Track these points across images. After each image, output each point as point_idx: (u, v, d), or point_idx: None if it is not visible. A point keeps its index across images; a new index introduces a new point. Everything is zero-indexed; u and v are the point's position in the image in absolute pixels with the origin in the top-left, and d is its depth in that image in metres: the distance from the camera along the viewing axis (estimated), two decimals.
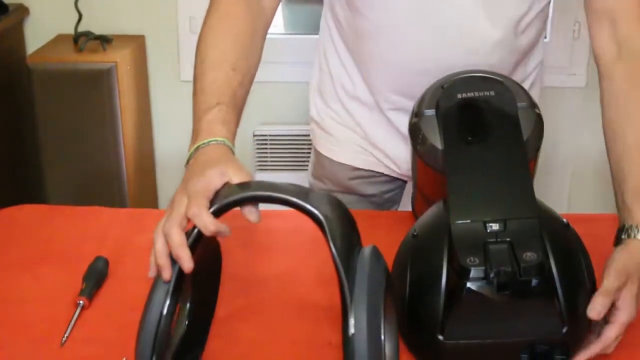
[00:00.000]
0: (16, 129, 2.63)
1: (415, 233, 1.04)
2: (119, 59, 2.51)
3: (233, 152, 1.03)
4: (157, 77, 2.83)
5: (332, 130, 1.45)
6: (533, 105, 1.12)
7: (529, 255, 0.91)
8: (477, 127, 1.07)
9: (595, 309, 0.95)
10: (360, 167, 1.46)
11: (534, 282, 0.91)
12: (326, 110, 1.46)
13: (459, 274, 0.92)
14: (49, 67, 2.51)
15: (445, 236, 0.97)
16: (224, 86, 1.10)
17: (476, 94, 1.10)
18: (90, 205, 1.44)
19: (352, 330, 0.79)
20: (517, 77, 1.31)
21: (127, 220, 1.37)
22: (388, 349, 0.92)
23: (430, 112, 1.12)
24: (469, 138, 1.06)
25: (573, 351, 0.98)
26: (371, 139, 1.41)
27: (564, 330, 0.95)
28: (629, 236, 1.02)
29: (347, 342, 0.79)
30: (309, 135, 1.58)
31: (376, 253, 0.87)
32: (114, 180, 2.61)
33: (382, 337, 0.81)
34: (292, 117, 2.80)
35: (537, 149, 1.12)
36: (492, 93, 1.10)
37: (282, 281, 1.20)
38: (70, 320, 1.08)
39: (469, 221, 0.97)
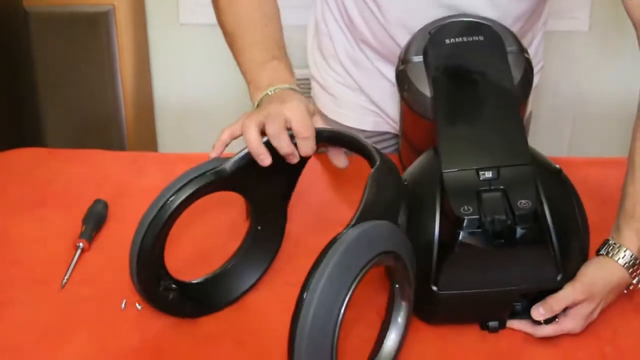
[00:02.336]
0: (13, 73, 2.61)
1: (405, 182, 1.03)
2: (117, 1, 2.48)
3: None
4: (155, 20, 2.80)
5: (336, 92, 1.44)
6: (522, 49, 1.10)
7: (524, 203, 0.90)
8: (467, 73, 1.06)
9: (539, 312, 0.95)
10: (368, 129, 1.45)
11: (529, 229, 0.90)
12: (328, 71, 1.44)
13: (453, 223, 0.91)
14: (46, 10, 2.48)
15: (437, 185, 0.96)
16: (272, 41, 1.18)
17: (465, 39, 1.08)
18: (89, 148, 1.44)
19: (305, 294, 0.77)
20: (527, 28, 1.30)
21: (127, 163, 1.37)
22: (391, 339, 0.92)
23: (418, 59, 1.10)
24: (459, 85, 1.05)
25: None
26: (373, 99, 1.40)
27: (559, 277, 0.95)
28: (608, 253, 0.99)
29: (298, 302, 0.77)
30: (306, 79, 1.57)
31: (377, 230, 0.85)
32: (113, 123, 2.60)
33: (340, 312, 0.78)
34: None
35: (527, 94, 1.11)
36: (481, 38, 1.08)
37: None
38: (70, 263, 1.09)
39: (461, 169, 0.96)
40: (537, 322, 0.96)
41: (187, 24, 2.72)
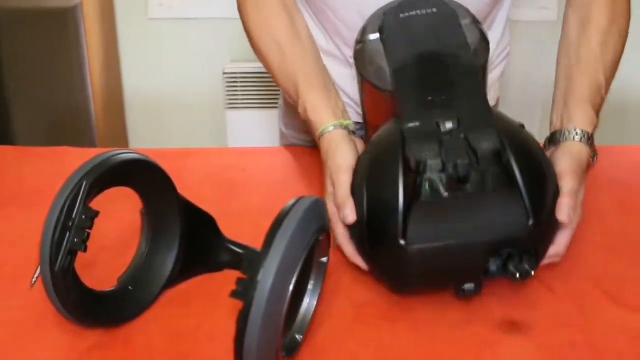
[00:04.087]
0: None
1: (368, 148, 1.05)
2: None
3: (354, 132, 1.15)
4: (124, 15, 2.78)
5: None
6: (476, 21, 1.13)
7: (485, 144, 0.91)
8: (423, 43, 1.08)
9: (563, 212, 0.96)
10: None
11: (494, 173, 0.91)
12: None
13: (415, 169, 0.91)
14: (12, 5, 2.46)
15: (398, 139, 0.97)
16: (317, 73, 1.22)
17: (418, 12, 1.11)
18: (58, 145, 1.43)
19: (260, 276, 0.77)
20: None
21: None
22: (305, 302, 0.94)
23: (374, 36, 1.12)
24: (417, 55, 1.06)
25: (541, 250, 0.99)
26: (344, 89, 1.39)
27: (530, 222, 0.94)
28: (565, 139, 1.05)
29: (249, 284, 0.77)
30: None
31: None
32: (82, 118, 2.58)
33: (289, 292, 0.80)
34: None
35: (486, 57, 1.12)
36: (435, 10, 1.11)
37: (253, 216, 1.19)
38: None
39: (421, 122, 0.97)
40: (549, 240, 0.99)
41: (156, 18, 2.71)
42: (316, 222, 0.87)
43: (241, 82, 2.78)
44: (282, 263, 0.77)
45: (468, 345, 0.94)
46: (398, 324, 0.97)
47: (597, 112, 1.14)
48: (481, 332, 0.96)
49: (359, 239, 1.02)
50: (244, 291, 0.77)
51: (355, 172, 1.05)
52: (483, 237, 0.94)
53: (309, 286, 0.95)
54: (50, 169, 1.32)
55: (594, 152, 1.07)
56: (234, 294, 0.79)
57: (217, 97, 2.81)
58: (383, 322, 0.97)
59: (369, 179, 1.00)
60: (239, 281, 0.80)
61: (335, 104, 1.17)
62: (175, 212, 1.01)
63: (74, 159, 1.34)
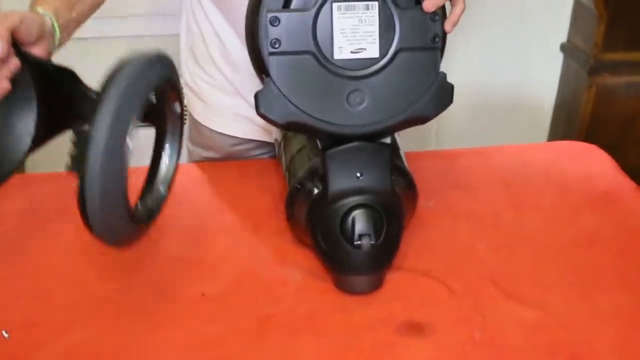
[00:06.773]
0: None
1: None
2: None
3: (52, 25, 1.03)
4: None
5: (209, 98, 1.42)
6: None
7: None
8: None
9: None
10: (240, 136, 1.43)
11: None
12: (200, 74, 1.41)
13: None
14: None
15: None
16: None
17: None
18: None
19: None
20: None
21: None
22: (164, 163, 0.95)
23: None
24: None
25: None
26: (249, 100, 1.37)
27: None
28: None
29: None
30: None
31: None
32: None
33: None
34: None
35: None
36: None
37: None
38: None
39: None
40: None
41: None
42: (158, 72, 0.86)
43: None
44: (115, 117, 0.77)
45: (371, 350, 0.95)
46: (302, 334, 0.97)
47: None
48: (383, 336, 0.97)
49: None
50: (80, 151, 0.77)
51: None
52: None
53: (167, 144, 0.95)
54: None
55: None
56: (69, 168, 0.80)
57: None
58: (287, 334, 0.97)
59: None
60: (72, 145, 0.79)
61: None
62: (25, 71, 0.95)
63: None
